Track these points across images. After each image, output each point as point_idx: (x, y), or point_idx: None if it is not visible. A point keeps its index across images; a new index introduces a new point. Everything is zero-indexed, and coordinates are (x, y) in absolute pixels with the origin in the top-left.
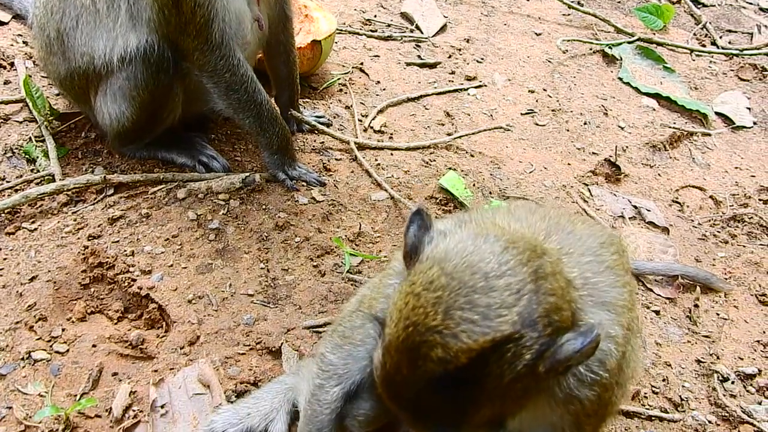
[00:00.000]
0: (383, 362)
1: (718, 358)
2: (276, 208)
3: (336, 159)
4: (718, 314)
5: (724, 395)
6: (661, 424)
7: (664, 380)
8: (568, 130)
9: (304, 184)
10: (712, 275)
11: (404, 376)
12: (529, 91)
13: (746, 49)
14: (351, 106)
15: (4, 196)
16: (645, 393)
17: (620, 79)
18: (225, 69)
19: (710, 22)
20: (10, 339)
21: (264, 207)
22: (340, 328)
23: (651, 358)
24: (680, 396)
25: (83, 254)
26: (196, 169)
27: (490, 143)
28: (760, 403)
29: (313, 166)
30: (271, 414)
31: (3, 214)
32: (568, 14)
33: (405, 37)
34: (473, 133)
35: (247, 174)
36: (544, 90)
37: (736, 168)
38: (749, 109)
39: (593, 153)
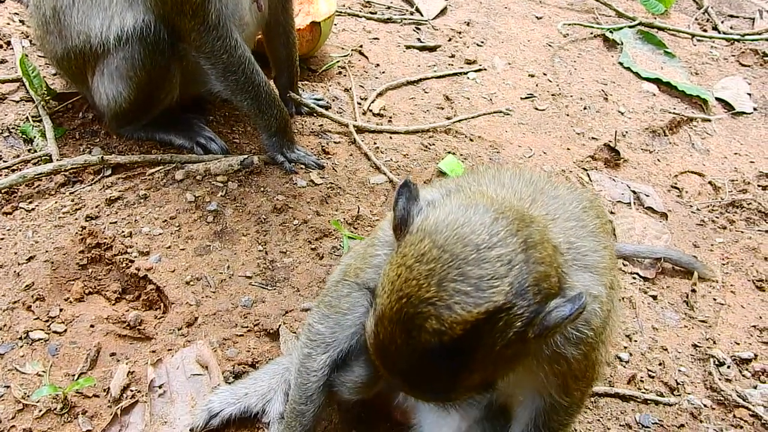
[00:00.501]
0: (376, 331)
1: (714, 342)
2: (274, 190)
3: (335, 142)
4: (714, 299)
5: (720, 379)
6: (657, 408)
7: (660, 364)
8: (567, 115)
9: (303, 166)
10: (696, 260)
11: (398, 345)
12: (529, 75)
13: (747, 35)
14: (350, 88)
15: (1, 175)
16: (641, 377)
17: (621, 63)
18: (222, 50)
19: (712, 7)
20: (8, 318)
21: (262, 189)
22: (326, 298)
23: (647, 342)
24: (676, 380)
25: (81, 235)
26: (194, 151)
27: (490, 127)
28: (755, 388)
29: (312, 148)
30: (268, 394)
31: (0, 194)
32: None
33: (405, 19)
34: (473, 117)
35: (246, 156)
36: (544, 74)
37: (736, 154)
38: (750, 94)
39: (593, 138)
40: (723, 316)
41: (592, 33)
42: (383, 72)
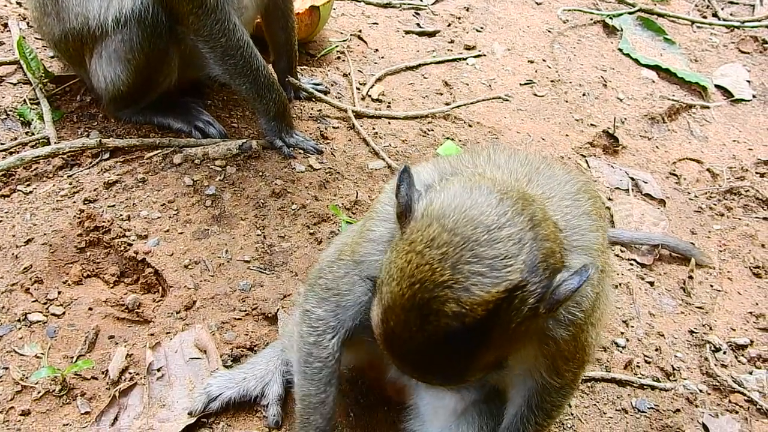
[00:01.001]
0: (386, 320)
1: (710, 328)
2: (273, 175)
3: (333, 127)
4: (711, 286)
5: (716, 365)
6: (653, 393)
7: (656, 350)
8: (566, 101)
9: (301, 151)
10: (693, 247)
11: (412, 332)
12: (528, 61)
13: (747, 21)
14: (349, 73)
15: None
16: (637, 362)
17: (620, 50)
18: (220, 34)
19: None
20: (6, 301)
21: (261, 174)
22: (321, 280)
23: (644, 328)
24: (672, 365)
25: (79, 218)
26: (193, 135)
27: (489, 113)
28: (750, 373)
29: (311, 133)
30: (267, 377)
31: None
32: None
33: (404, 4)
34: (471, 103)
35: (244, 140)
36: (544, 60)
37: (734, 141)
38: (749, 82)
39: (591, 124)
40: (719, 302)
41: (591, 19)
42: (382, 57)
